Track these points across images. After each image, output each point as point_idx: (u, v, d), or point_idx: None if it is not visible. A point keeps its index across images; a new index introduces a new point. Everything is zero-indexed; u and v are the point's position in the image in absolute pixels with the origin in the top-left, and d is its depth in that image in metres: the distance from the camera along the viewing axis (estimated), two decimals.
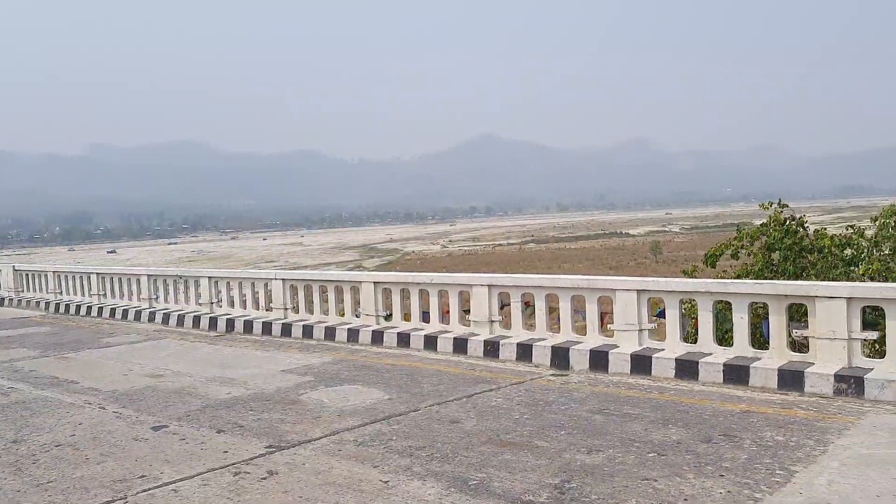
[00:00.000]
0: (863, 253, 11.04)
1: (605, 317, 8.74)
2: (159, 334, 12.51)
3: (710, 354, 7.59)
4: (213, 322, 12.73)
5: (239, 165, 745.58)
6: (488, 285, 9.63)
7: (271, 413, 6.98)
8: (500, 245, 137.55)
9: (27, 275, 17.86)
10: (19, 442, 6.30)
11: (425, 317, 10.55)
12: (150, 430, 6.56)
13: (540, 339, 8.98)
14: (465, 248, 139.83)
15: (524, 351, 8.91)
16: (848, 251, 10.91)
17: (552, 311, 9.34)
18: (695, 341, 8.06)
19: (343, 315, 11.60)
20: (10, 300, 17.78)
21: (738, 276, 11.31)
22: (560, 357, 8.53)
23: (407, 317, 10.82)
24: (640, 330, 8.12)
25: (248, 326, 12.22)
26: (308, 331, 11.43)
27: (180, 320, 13.26)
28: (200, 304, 13.44)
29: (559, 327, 9.20)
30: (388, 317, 10.96)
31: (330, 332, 11.14)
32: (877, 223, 11.84)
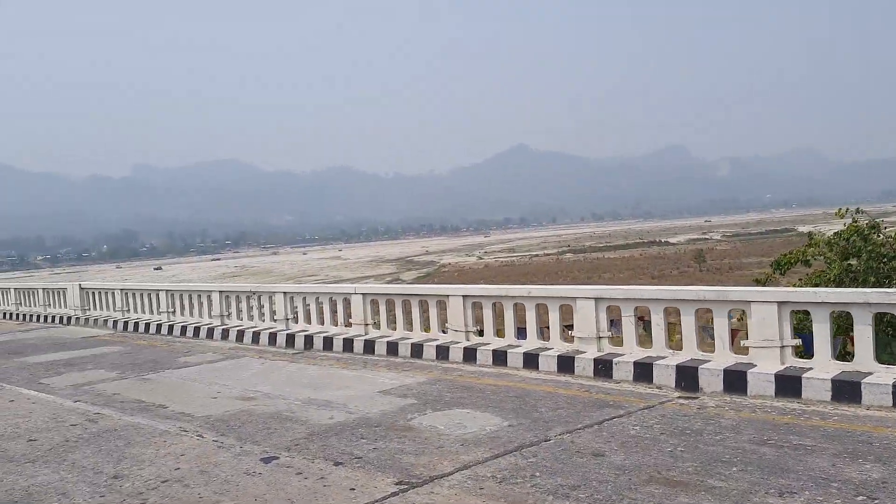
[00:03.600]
0: None
1: (735, 333, 7.93)
2: (236, 352, 12.03)
3: (872, 374, 6.74)
4: (290, 339, 12.22)
5: (277, 183, 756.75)
6: (595, 298, 8.90)
7: (387, 442, 6.35)
8: (537, 256, 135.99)
9: (93, 293, 17.64)
10: (121, 478, 5.76)
11: (521, 333, 9.86)
12: (259, 462, 5.98)
13: (660, 358, 8.21)
14: (502, 259, 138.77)
15: (643, 371, 8.14)
16: None
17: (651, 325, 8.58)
18: (843, 358, 7.24)
19: (429, 331, 10.97)
20: (77, 319, 17.56)
21: (816, 284, 10.83)
22: (687, 377, 7.74)
23: (500, 333, 10.14)
24: (783, 346, 7.29)
25: (328, 343, 11.67)
26: (392, 348, 10.82)
27: (255, 337, 12.78)
28: (275, 321, 12.95)
29: (676, 345, 8.44)
30: (480, 333, 10.30)
31: (417, 350, 10.51)
32: None
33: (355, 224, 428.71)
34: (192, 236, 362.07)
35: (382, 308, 11.49)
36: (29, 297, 20.04)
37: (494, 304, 10.15)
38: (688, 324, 8.18)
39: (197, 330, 14.04)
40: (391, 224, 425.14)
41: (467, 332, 10.28)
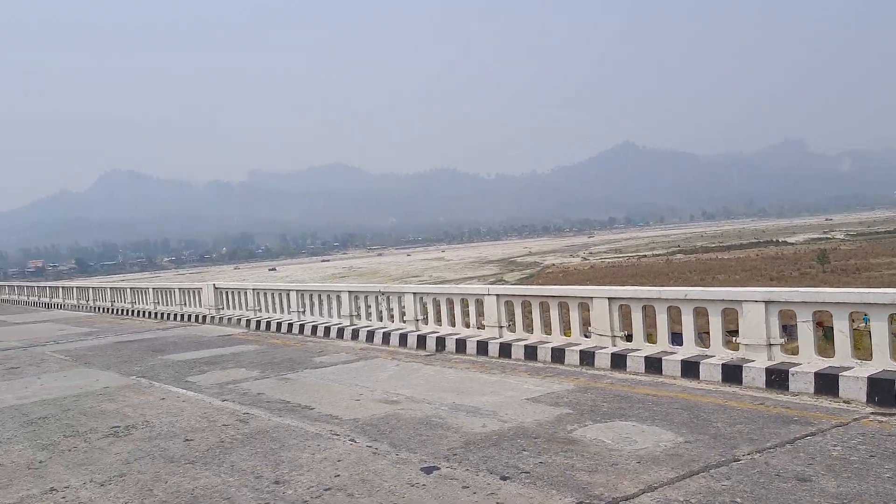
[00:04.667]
0: None
1: None
2: (368, 353, 11.91)
3: None
4: (421, 340, 11.99)
5: (382, 185, 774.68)
6: (765, 301, 8.07)
7: (551, 455, 5.87)
8: (645, 256, 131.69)
9: (226, 292, 18.19)
10: (282, 483, 5.57)
11: (676, 339, 9.14)
12: (420, 472, 5.65)
13: (845, 368, 7.30)
14: (608, 259, 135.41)
15: (826, 382, 7.26)
16: None
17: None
18: None
19: (569, 335, 10.41)
20: (212, 318, 18.15)
21: None
22: (882, 391, 6.82)
23: (651, 338, 9.45)
24: None
25: (461, 346, 11.33)
26: (531, 352, 10.34)
27: (385, 338, 12.64)
28: (405, 322, 12.76)
29: (864, 353, 7.49)
30: (628, 337, 9.64)
31: (557, 354, 9.98)
32: None
33: (457, 225, 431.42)
34: (303, 238, 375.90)
35: (518, 310, 11.03)
36: (166, 296, 20.98)
37: (645, 308, 9.48)
38: (879, 330, 7.23)
39: (327, 329, 14.09)
40: (493, 225, 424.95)
41: (613, 336, 9.66)
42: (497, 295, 11.26)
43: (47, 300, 30.57)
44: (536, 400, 7.91)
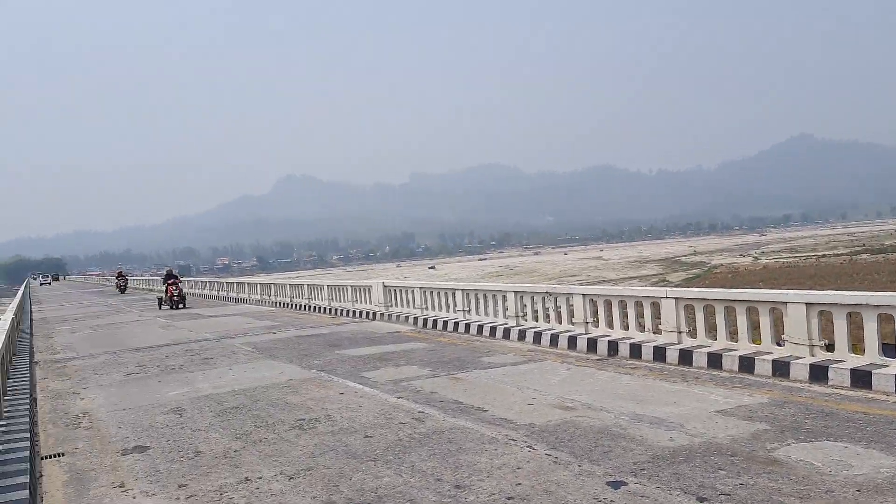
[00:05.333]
0: None
1: None
2: (536, 355, 11.69)
3: None
4: (591, 344, 11.57)
5: (539, 184, 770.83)
6: None
7: (753, 476, 5.32)
8: (825, 256, 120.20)
9: (394, 290, 18.74)
10: (463, 488, 5.48)
11: (887, 350, 8.09)
12: (606, 486, 5.33)
13: None
14: (782, 259, 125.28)
15: None
16: None
17: None
18: None
19: (758, 343, 9.57)
20: (381, 314, 18.77)
21: None
22: None
23: (857, 348, 8.44)
24: None
25: (635, 351, 10.79)
26: (715, 360, 9.61)
27: (554, 340, 12.35)
28: (573, 324, 12.39)
29: None
30: (830, 347, 8.68)
31: (746, 363, 9.19)
32: None
33: (616, 224, 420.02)
34: (460, 237, 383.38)
35: (700, 314, 10.31)
36: (340, 293, 22.01)
37: (850, 315, 8.48)
38: None
39: (493, 329, 14.04)
40: (654, 223, 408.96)
41: (812, 345, 8.73)
42: (676, 298, 10.60)
43: (234, 295, 33.24)
44: (727, 413, 7.29)
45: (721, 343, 9.95)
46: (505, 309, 14.20)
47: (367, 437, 7.14)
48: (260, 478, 6.06)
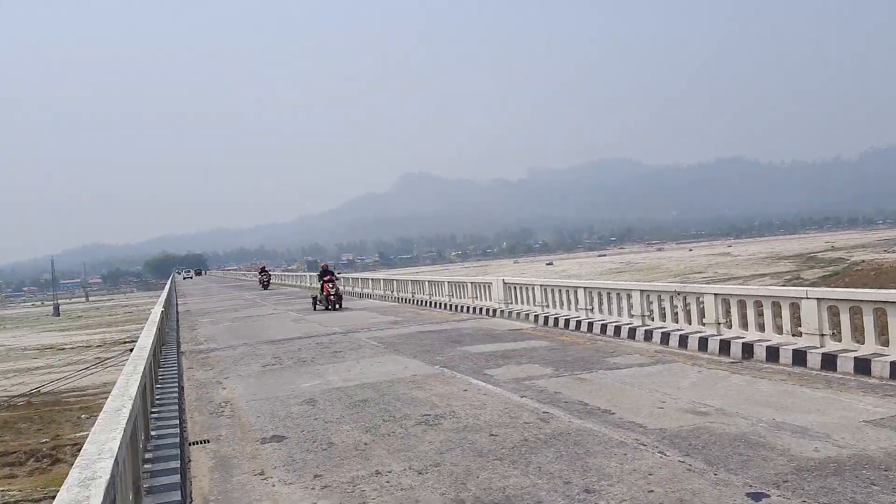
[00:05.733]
0: None
1: None
2: (663, 356, 11.30)
3: None
4: (724, 346, 11.03)
5: (662, 177, 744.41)
6: None
7: None
8: None
9: (514, 287, 18.71)
10: (593, 493, 5.38)
11: None
12: (747, 497, 5.06)
13: None
14: None
15: None
16: None
17: None
18: None
19: None
20: (501, 311, 18.81)
21: None
22: None
23: None
24: None
25: (772, 354, 10.19)
26: (862, 365, 8.92)
27: (682, 341, 11.88)
28: (703, 325, 11.88)
29: None
30: None
31: None
32: None
33: (746, 218, 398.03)
34: (579, 233, 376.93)
35: (845, 317, 9.59)
36: (460, 290, 22.25)
37: None
38: None
39: (618, 329, 13.70)
40: (788, 217, 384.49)
41: None
42: (818, 298, 9.91)
43: (359, 290, 34.37)
44: (878, 423, 6.75)
45: (869, 347, 9.22)
46: (630, 308, 13.83)
47: (493, 435, 7.16)
48: (390, 472, 6.22)
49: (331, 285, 25.27)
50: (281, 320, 22.85)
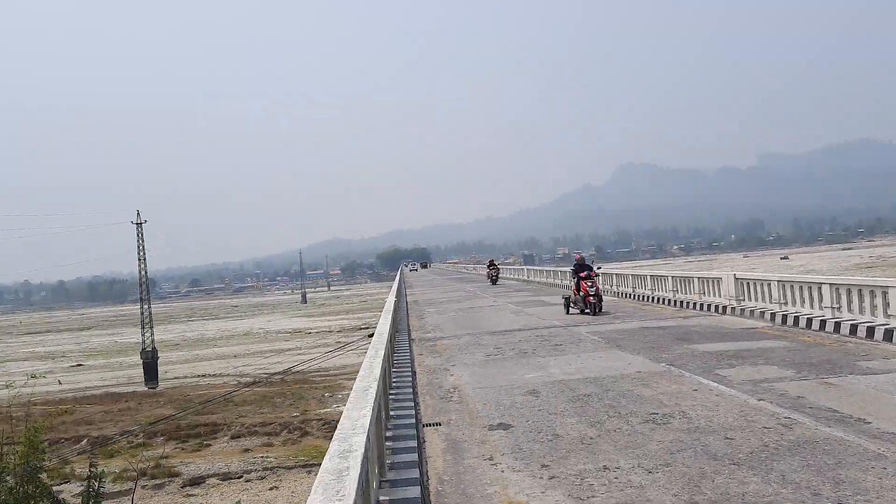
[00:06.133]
0: None
1: None
2: None
3: None
4: None
5: None
6: None
7: None
8: None
9: (747, 283, 17.43)
10: None
11: None
12: None
13: None
14: None
15: None
16: None
17: None
18: None
19: None
20: (732, 308, 17.64)
21: None
22: None
23: None
24: None
25: None
26: None
27: None
28: None
29: None
30: None
31: None
32: None
33: None
34: (819, 224, 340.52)
35: None
36: (685, 285, 21.22)
37: None
38: None
39: (870, 330, 12.24)
40: None
41: None
42: None
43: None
44: None
45: None
46: (886, 307, 12.28)
47: (728, 438, 6.79)
48: (618, 468, 6.17)
49: (589, 283, 20.41)
50: (500, 312, 23.44)
